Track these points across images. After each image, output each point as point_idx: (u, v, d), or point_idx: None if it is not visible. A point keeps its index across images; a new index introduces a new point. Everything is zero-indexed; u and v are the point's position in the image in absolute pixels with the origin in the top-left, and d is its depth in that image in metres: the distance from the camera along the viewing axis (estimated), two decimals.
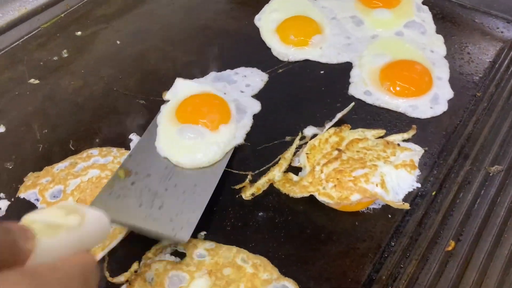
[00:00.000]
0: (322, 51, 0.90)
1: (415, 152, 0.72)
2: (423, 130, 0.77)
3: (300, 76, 0.87)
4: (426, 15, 0.95)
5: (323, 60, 0.89)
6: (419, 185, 0.69)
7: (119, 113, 0.80)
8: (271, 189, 0.69)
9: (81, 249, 0.40)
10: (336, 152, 0.71)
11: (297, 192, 0.67)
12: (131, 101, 0.82)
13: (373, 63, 0.85)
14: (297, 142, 0.75)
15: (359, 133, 0.76)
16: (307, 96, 0.83)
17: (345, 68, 0.87)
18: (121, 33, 0.96)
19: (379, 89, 0.82)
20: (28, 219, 0.37)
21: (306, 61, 0.89)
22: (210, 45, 0.92)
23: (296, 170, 0.72)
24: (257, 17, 0.98)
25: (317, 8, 0.97)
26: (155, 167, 0.70)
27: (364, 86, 0.83)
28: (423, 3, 0.99)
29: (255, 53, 0.91)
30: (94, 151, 0.75)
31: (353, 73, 0.86)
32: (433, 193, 0.69)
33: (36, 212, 0.39)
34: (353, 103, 0.77)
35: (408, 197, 0.68)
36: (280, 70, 0.88)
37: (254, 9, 0.99)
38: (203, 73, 0.85)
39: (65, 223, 0.39)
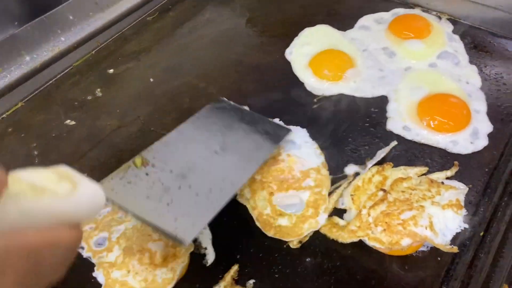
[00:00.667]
0: (357, 85, 0.90)
1: (460, 190, 0.72)
2: (466, 166, 0.76)
3: (335, 112, 0.86)
4: (458, 45, 0.95)
5: (357, 94, 0.89)
6: (467, 226, 0.68)
7: None
8: (317, 233, 0.69)
9: (66, 221, 0.36)
10: (381, 193, 0.71)
11: (346, 238, 0.67)
12: None
13: (409, 97, 0.85)
14: (344, 185, 0.74)
15: (401, 171, 0.75)
16: (344, 132, 0.82)
17: (381, 101, 0.87)
18: (153, 69, 0.96)
19: (418, 124, 0.81)
20: (14, 176, 0.34)
21: (341, 95, 0.89)
22: (243, 81, 0.92)
23: (338, 212, 0.72)
24: (287, 51, 0.98)
25: (347, 40, 0.98)
26: (174, 163, 0.68)
27: (402, 121, 0.82)
28: (454, 32, 0.99)
29: (289, 88, 0.91)
30: None
31: (390, 107, 0.85)
32: (481, 234, 0.68)
33: (26, 171, 0.35)
34: (395, 142, 0.77)
35: (456, 238, 0.67)
36: (315, 106, 0.87)
37: (284, 42, 0.99)
38: None
39: (53, 189, 0.35)
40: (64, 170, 0.36)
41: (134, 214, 0.61)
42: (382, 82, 0.89)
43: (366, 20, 1.02)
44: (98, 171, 0.78)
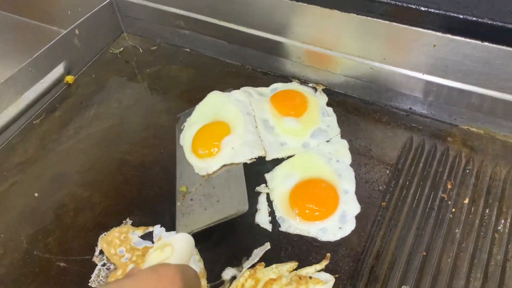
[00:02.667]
0: (235, 151, 0.91)
1: (327, 284, 0.76)
2: (335, 253, 0.81)
3: None
4: (331, 119, 1.00)
5: (236, 160, 0.90)
6: None
7: (40, 283, 0.81)
8: None
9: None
10: None
11: None
12: (52, 265, 0.83)
13: (282, 186, 0.89)
14: None
15: (273, 270, 0.79)
16: (219, 228, 0.85)
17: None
18: (38, 182, 0.97)
19: (289, 215, 0.85)
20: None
21: (223, 166, 0.91)
22: (127, 184, 0.94)
23: None
24: (180, 136, 1.00)
25: (232, 102, 0.99)
26: (195, 179, 0.91)
27: (277, 213, 0.86)
28: (328, 104, 1.03)
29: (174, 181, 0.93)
30: None
31: (261, 199, 0.89)
32: None
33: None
34: (268, 245, 0.81)
35: None
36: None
37: (171, 131, 1.02)
38: (120, 220, 0.87)
39: (163, 257, 0.61)
40: (161, 241, 0.69)
41: (208, 224, 0.83)
42: (260, 145, 0.93)
43: (248, 89, 1.05)
44: None
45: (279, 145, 0.96)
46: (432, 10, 0.84)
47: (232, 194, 0.85)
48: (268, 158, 0.93)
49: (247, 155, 0.91)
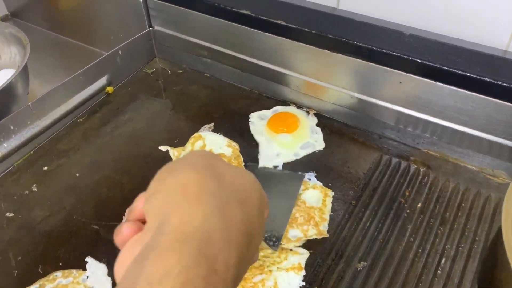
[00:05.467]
0: None
1: (302, 255, 0.97)
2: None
3: None
4: (318, 136, 1.24)
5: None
6: (304, 283, 0.93)
7: (77, 238, 1.03)
8: None
9: None
10: None
11: None
12: (87, 227, 1.05)
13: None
14: None
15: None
16: None
17: None
18: (79, 165, 1.20)
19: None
20: None
21: None
22: (151, 171, 1.17)
23: None
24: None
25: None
26: None
27: None
28: (317, 124, 1.28)
29: None
30: (58, 273, 0.96)
31: None
32: None
33: None
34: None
35: None
36: None
37: (183, 140, 1.26)
38: None
39: None
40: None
41: None
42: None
43: (252, 117, 1.30)
44: (31, 255, 0.99)
45: (274, 156, 1.19)
46: (398, 54, 1.09)
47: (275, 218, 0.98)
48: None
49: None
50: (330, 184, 1.12)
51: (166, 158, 1.21)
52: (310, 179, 1.13)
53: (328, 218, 1.04)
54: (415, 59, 1.07)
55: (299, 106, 1.35)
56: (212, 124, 1.30)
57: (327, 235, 1.00)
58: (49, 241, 1.02)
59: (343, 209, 1.07)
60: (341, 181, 1.13)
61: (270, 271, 0.93)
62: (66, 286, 0.94)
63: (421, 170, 1.16)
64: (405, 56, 1.08)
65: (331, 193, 1.09)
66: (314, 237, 1.00)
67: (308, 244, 1.00)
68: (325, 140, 1.24)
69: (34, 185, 1.15)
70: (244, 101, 1.39)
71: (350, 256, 0.98)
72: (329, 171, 1.16)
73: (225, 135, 1.26)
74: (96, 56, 1.39)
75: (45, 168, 1.19)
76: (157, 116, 1.35)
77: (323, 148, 1.22)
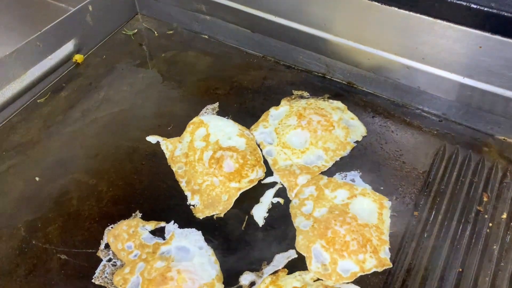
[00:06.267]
0: None
1: None
2: None
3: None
4: (354, 123, 0.94)
5: None
6: None
7: (38, 275, 0.73)
8: None
9: None
10: None
11: None
12: (52, 257, 0.76)
13: None
14: None
15: (296, 278, 0.72)
16: (237, 230, 0.79)
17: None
18: (40, 165, 0.89)
19: None
20: None
21: None
22: (137, 174, 0.87)
23: None
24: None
25: None
26: None
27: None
28: (355, 103, 0.97)
29: None
30: None
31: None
32: None
33: None
34: (294, 253, 0.74)
35: None
36: None
37: (183, 123, 0.94)
38: (129, 212, 0.80)
39: None
40: None
41: None
42: None
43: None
44: None
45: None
46: (480, 8, 0.78)
47: None
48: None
49: None
50: (381, 188, 0.83)
51: (157, 153, 0.90)
52: (354, 181, 0.84)
53: (388, 239, 0.75)
54: (506, 14, 0.75)
55: (330, 78, 1.03)
56: (216, 105, 0.99)
57: (390, 265, 0.72)
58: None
59: (403, 224, 0.79)
60: (394, 182, 0.85)
61: None
62: None
63: (499, 165, 0.87)
64: (490, 10, 0.77)
65: (387, 203, 0.80)
66: (374, 269, 0.71)
67: (360, 279, 0.72)
68: (367, 124, 0.94)
69: None
70: (255, 71, 1.07)
71: None
72: (377, 168, 0.87)
73: (235, 119, 0.95)
74: (61, 14, 1.05)
75: None
76: (142, 94, 1.03)
77: (365, 136, 0.91)
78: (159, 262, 0.73)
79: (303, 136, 0.90)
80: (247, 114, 0.97)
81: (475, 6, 0.79)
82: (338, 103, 0.96)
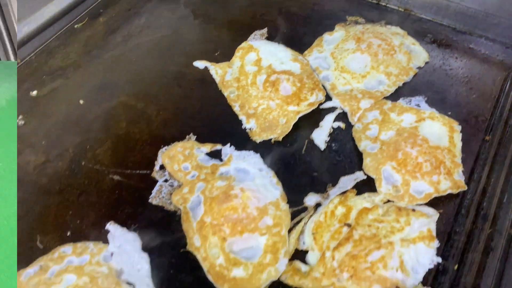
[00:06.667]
0: None
1: (431, 218, 0.65)
2: None
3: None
4: (415, 48, 0.88)
5: None
6: (440, 260, 0.62)
7: (90, 195, 0.69)
8: (278, 282, 0.61)
9: None
10: (345, 229, 0.63)
11: (310, 287, 0.59)
12: (104, 178, 0.71)
13: None
14: (305, 220, 0.66)
15: (366, 199, 0.68)
16: (301, 154, 0.74)
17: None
18: (83, 89, 0.84)
19: None
20: None
21: None
22: (187, 99, 0.82)
23: (300, 253, 0.64)
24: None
25: None
26: None
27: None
28: (415, 32, 0.91)
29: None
30: (67, 248, 0.64)
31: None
32: (455, 267, 0.62)
33: None
34: (361, 174, 0.70)
35: (428, 275, 0.61)
36: None
37: (231, 48, 0.89)
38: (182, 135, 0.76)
39: None
40: None
41: None
42: None
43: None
44: (23, 219, 0.66)
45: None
46: None
47: None
48: None
49: None
50: (448, 113, 0.78)
51: (206, 78, 0.85)
52: (419, 106, 0.79)
53: (461, 162, 0.71)
54: None
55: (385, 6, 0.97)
56: (265, 30, 0.93)
57: (465, 188, 0.68)
58: (48, 199, 0.69)
59: (475, 148, 0.74)
60: (462, 107, 0.80)
61: (391, 243, 0.61)
62: (80, 269, 0.61)
63: None
64: None
65: (457, 126, 0.75)
66: (449, 191, 0.67)
67: (434, 201, 0.67)
68: (429, 50, 0.88)
69: (20, 117, 0.79)
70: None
71: (496, 219, 0.66)
72: (443, 93, 0.82)
73: (286, 44, 0.89)
74: None
75: (34, 92, 0.84)
76: (185, 20, 0.98)
77: (427, 62, 0.86)
78: (220, 181, 0.69)
79: (363, 60, 0.84)
80: (298, 40, 0.92)
81: None
82: (397, 29, 0.91)
